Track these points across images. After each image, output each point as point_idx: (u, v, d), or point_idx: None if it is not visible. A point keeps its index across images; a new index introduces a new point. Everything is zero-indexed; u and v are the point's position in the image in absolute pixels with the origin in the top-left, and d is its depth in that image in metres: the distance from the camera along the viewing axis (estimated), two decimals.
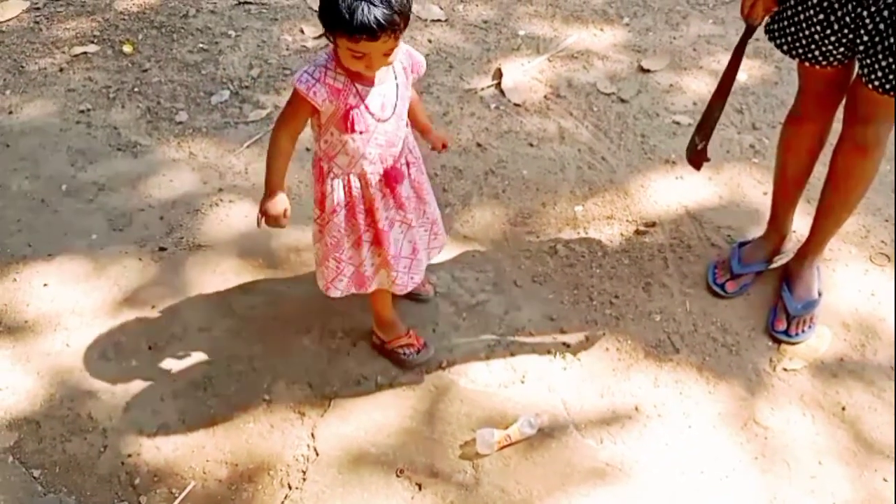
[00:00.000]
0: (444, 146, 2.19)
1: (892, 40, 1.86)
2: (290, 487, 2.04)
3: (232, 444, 2.12)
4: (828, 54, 2.00)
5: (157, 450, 2.11)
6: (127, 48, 3.36)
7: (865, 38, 1.91)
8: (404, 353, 2.24)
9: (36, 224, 2.68)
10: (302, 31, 3.46)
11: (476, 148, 2.92)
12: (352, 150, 1.87)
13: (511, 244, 2.61)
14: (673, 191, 2.78)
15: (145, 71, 3.25)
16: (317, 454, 2.10)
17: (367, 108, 1.83)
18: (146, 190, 2.79)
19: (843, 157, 2.20)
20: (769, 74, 3.21)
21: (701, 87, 3.18)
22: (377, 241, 2.02)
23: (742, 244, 2.52)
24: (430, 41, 3.38)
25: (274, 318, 2.39)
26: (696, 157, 2.28)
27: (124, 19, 3.52)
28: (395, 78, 1.87)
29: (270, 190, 1.92)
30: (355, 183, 1.93)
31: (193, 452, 2.11)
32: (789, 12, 2.01)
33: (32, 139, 2.98)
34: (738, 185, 2.80)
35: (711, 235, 2.63)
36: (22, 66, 3.29)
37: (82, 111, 3.09)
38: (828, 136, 2.29)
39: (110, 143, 2.96)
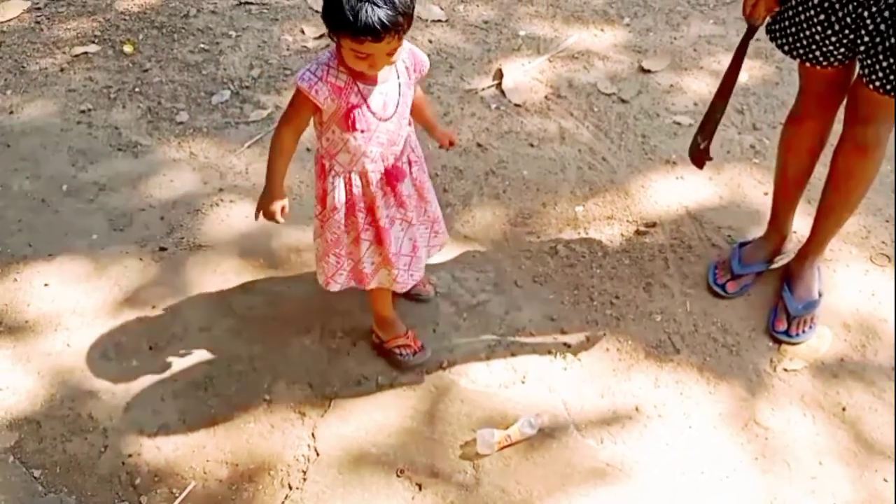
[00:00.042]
0: (451, 143, 2.20)
1: (892, 41, 1.86)
2: (290, 487, 2.04)
3: (232, 444, 2.12)
4: (828, 55, 2.00)
5: (157, 450, 2.11)
6: (128, 48, 3.36)
7: (866, 39, 1.91)
8: (401, 354, 2.24)
9: (37, 224, 2.68)
10: (302, 32, 3.46)
11: (476, 148, 2.93)
12: (353, 148, 1.88)
13: (511, 244, 2.61)
14: (673, 191, 2.78)
15: (146, 71, 3.25)
16: (317, 454, 2.10)
17: (368, 106, 1.83)
18: (147, 190, 2.79)
19: (844, 157, 2.20)
20: (770, 75, 3.21)
21: (701, 87, 3.18)
22: (378, 240, 2.02)
23: (742, 244, 2.52)
24: (430, 41, 3.38)
25: (274, 317, 2.39)
26: (699, 156, 2.29)
27: (125, 19, 3.52)
28: (398, 77, 1.87)
29: (270, 186, 1.94)
30: (356, 181, 1.93)
31: (194, 452, 2.11)
32: (790, 12, 2.01)
33: (33, 139, 2.98)
34: (738, 186, 2.80)
35: (712, 236, 2.63)
36: (23, 66, 3.29)
37: (83, 111, 3.09)
38: (828, 137, 2.29)
39: (111, 143, 2.97)
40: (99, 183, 2.81)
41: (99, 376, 2.27)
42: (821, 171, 2.34)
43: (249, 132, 3.01)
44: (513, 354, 2.31)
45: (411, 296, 2.41)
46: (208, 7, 3.57)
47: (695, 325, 2.38)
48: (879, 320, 2.39)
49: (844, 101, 2.17)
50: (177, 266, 2.55)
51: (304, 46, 3.38)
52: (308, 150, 2.84)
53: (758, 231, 2.58)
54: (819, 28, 1.96)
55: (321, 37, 3.41)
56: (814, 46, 2.00)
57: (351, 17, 1.63)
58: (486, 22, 3.51)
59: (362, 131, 1.85)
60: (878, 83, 1.93)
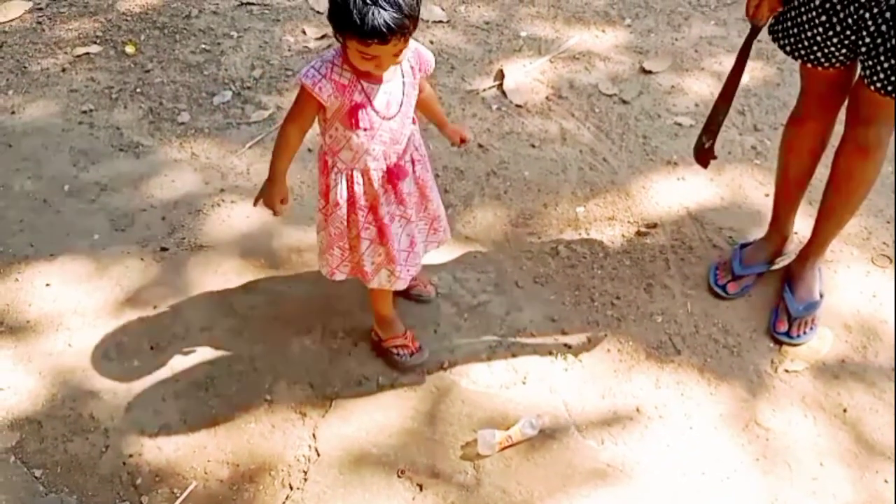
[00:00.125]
0: (462, 140, 2.20)
1: (894, 42, 1.86)
2: (291, 488, 2.04)
3: (233, 445, 2.12)
4: (830, 56, 2.00)
5: (158, 450, 2.11)
6: (129, 49, 3.37)
7: (867, 40, 1.91)
8: (398, 354, 2.24)
9: (38, 224, 2.69)
10: (304, 32, 3.46)
11: (478, 149, 2.93)
12: (356, 145, 1.88)
13: (512, 245, 2.62)
14: (674, 192, 2.78)
15: (148, 71, 3.26)
16: (318, 454, 2.10)
17: (372, 105, 1.83)
18: (148, 190, 2.79)
19: (845, 158, 2.20)
20: (771, 76, 3.21)
21: (702, 88, 3.18)
22: (381, 238, 2.02)
23: (743, 245, 2.52)
24: (431, 42, 3.38)
25: (275, 318, 2.40)
26: (704, 156, 2.29)
27: (127, 20, 3.52)
28: (403, 76, 1.88)
29: (272, 177, 1.97)
30: (358, 178, 1.94)
31: (195, 452, 2.11)
32: (792, 13, 2.01)
33: (35, 139, 2.99)
34: (739, 187, 2.80)
35: (713, 237, 2.63)
36: (24, 67, 3.29)
37: (85, 111, 3.09)
38: (830, 138, 2.29)
39: (112, 144, 2.97)
40: (100, 183, 2.82)
41: (100, 376, 2.27)
42: (822, 173, 2.34)
43: (251, 133, 3.01)
44: (514, 355, 2.31)
45: (412, 296, 2.41)
46: (210, 8, 3.57)
47: (696, 326, 2.38)
48: (880, 321, 2.39)
49: (846, 103, 2.17)
50: (178, 266, 2.55)
51: (306, 47, 3.38)
52: (309, 150, 2.84)
53: (759, 232, 2.58)
54: (821, 29, 1.96)
55: (322, 37, 3.42)
56: (815, 47, 2.00)
57: (357, 20, 1.63)
58: (487, 23, 3.51)
59: (365, 129, 1.85)
60: (879, 84, 1.93)
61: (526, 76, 3.23)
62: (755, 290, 2.46)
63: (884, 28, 1.87)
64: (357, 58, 1.73)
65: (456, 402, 2.20)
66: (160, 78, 3.23)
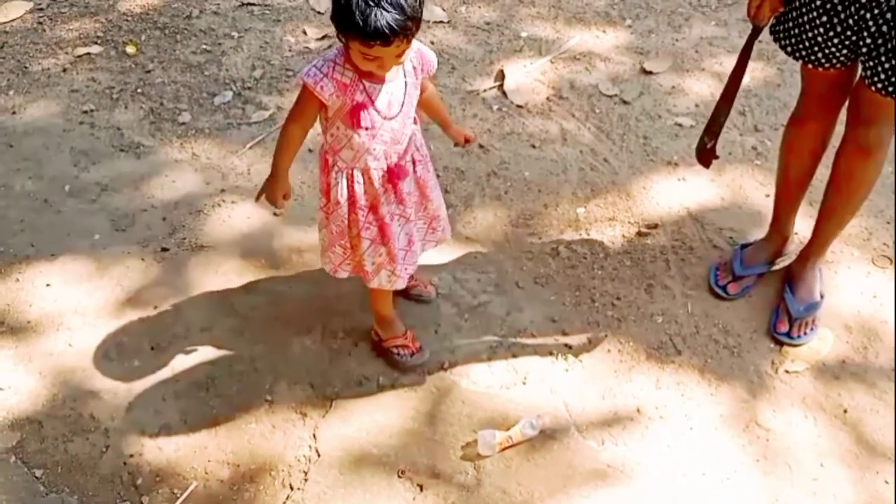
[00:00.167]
0: (466, 140, 2.20)
1: (894, 42, 1.86)
2: (291, 488, 2.04)
3: (234, 445, 2.13)
4: (831, 56, 2.00)
5: (159, 450, 2.12)
6: (130, 49, 3.37)
7: (868, 41, 1.91)
8: (398, 354, 2.25)
9: (39, 224, 2.69)
10: (304, 33, 3.46)
11: (478, 149, 2.93)
12: (357, 145, 1.88)
13: (513, 245, 2.62)
14: (675, 192, 2.78)
15: (148, 72, 3.26)
16: (318, 455, 2.10)
17: (374, 105, 1.83)
18: (149, 190, 2.80)
19: (846, 159, 2.20)
20: (771, 76, 3.21)
21: (703, 88, 3.18)
22: (382, 238, 2.02)
23: (744, 246, 2.52)
24: (432, 42, 3.38)
25: (276, 318, 2.40)
26: (706, 156, 2.29)
27: (127, 20, 3.52)
28: (405, 76, 1.88)
29: (275, 173, 1.98)
30: (358, 177, 1.94)
31: (195, 453, 2.11)
32: (793, 13, 2.01)
33: (36, 139, 2.99)
34: (740, 187, 2.80)
35: (713, 237, 2.63)
36: (25, 67, 3.29)
37: (85, 112, 3.09)
38: (830, 138, 2.29)
39: (113, 144, 2.97)
40: (101, 183, 2.82)
41: (101, 376, 2.27)
42: (823, 173, 2.34)
43: (251, 133, 3.01)
44: (514, 355, 2.31)
45: (413, 297, 2.41)
46: (211, 8, 3.57)
47: (696, 326, 2.38)
48: (881, 322, 2.39)
49: (846, 103, 2.17)
50: (179, 266, 2.55)
51: (307, 47, 3.38)
52: (310, 150, 2.84)
53: (759, 232, 2.58)
54: (821, 30, 1.96)
55: (323, 38, 3.42)
56: (816, 48, 2.00)
57: (360, 22, 1.63)
58: (487, 23, 3.51)
59: (366, 129, 1.85)
60: (880, 85, 1.94)
61: (526, 77, 3.23)
62: (756, 290, 2.46)
63: (885, 29, 1.87)
64: (359, 58, 1.74)
65: (456, 403, 2.20)
66: (161, 78, 3.23)
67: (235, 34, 3.44)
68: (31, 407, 2.22)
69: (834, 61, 2.01)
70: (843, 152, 2.21)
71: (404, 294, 2.39)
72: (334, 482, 2.05)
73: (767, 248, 2.49)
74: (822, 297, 2.39)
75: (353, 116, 1.84)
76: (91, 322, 2.40)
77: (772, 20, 2.08)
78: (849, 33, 1.93)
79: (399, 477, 2.06)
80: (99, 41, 3.41)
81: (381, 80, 1.83)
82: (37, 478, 2.07)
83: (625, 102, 3.12)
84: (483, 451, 2.07)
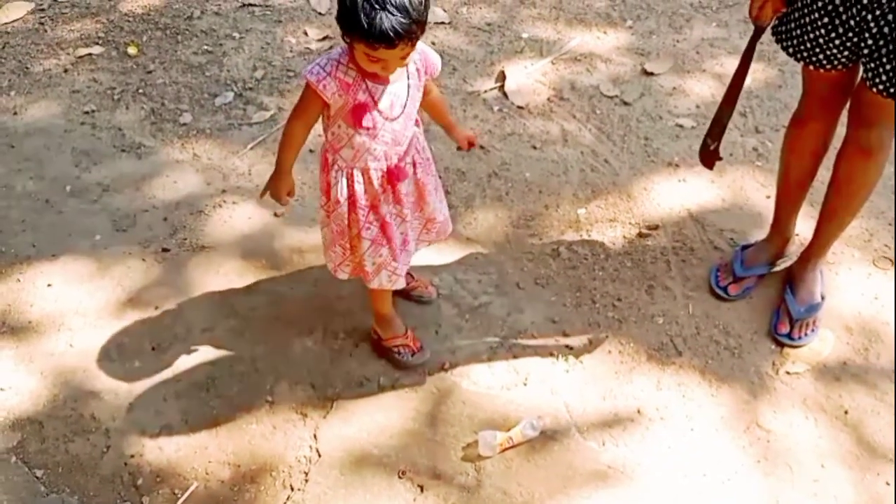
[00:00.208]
0: (470, 144, 2.20)
1: None
2: (292, 489, 2.04)
3: (234, 445, 2.13)
4: (832, 58, 2.00)
5: (159, 450, 2.12)
6: (131, 50, 3.37)
7: (870, 42, 1.91)
8: (399, 354, 2.25)
9: (40, 224, 2.69)
10: (306, 34, 3.46)
11: (479, 150, 2.93)
12: (357, 144, 1.89)
13: (514, 246, 2.62)
14: (676, 193, 2.78)
15: (150, 72, 3.26)
16: (319, 455, 2.10)
17: (376, 105, 1.84)
18: (150, 191, 2.80)
19: (847, 160, 2.20)
20: (773, 78, 3.21)
21: (704, 90, 3.18)
22: (383, 237, 2.02)
23: (745, 247, 2.52)
24: (433, 43, 3.38)
25: (276, 318, 2.40)
26: (709, 158, 2.29)
27: (129, 21, 3.53)
28: (408, 78, 1.88)
29: (279, 169, 1.99)
30: (358, 177, 1.94)
31: (196, 453, 2.11)
32: (795, 14, 2.01)
33: (37, 140, 2.99)
34: (741, 188, 2.80)
35: (714, 238, 2.63)
36: (27, 68, 3.30)
37: (87, 112, 3.10)
38: (832, 140, 2.29)
39: (114, 145, 2.97)
40: (102, 184, 2.82)
41: (101, 377, 2.27)
42: (823, 174, 2.34)
43: (252, 133, 3.01)
44: (515, 356, 2.31)
45: (413, 297, 2.41)
46: (212, 9, 3.58)
47: (697, 327, 2.38)
48: (882, 323, 2.39)
49: (847, 105, 2.17)
50: (179, 267, 2.55)
51: (308, 48, 3.38)
52: (311, 151, 2.84)
53: (760, 234, 2.58)
54: (823, 31, 1.96)
55: (324, 38, 3.42)
56: (817, 49, 2.00)
57: (365, 24, 1.63)
58: (488, 24, 3.52)
59: (368, 129, 1.86)
60: (881, 86, 1.94)
61: (527, 77, 3.24)
62: (756, 291, 2.46)
63: (886, 30, 1.87)
64: (364, 60, 1.74)
65: (457, 404, 2.20)
66: (162, 79, 3.23)
67: (237, 35, 3.44)
68: (32, 407, 2.22)
69: (835, 62, 2.01)
70: (844, 154, 2.21)
71: (405, 295, 2.39)
72: (335, 483, 2.05)
73: (768, 249, 2.49)
74: (822, 298, 2.39)
75: (355, 116, 1.84)
76: (92, 322, 2.40)
77: (773, 21, 2.08)
78: (850, 34, 1.93)
79: (400, 477, 2.06)
80: (100, 42, 3.42)
81: (385, 81, 1.83)
82: (37, 478, 2.07)
83: (626, 103, 3.12)
84: (483, 451, 2.07)
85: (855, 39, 1.93)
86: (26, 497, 2.04)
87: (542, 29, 3.49)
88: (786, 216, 2.46)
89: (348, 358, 2.30)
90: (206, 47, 3.38)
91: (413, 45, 1.73)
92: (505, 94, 3.17)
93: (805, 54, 2.04)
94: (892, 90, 1.92)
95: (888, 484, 2.05)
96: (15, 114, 3.10)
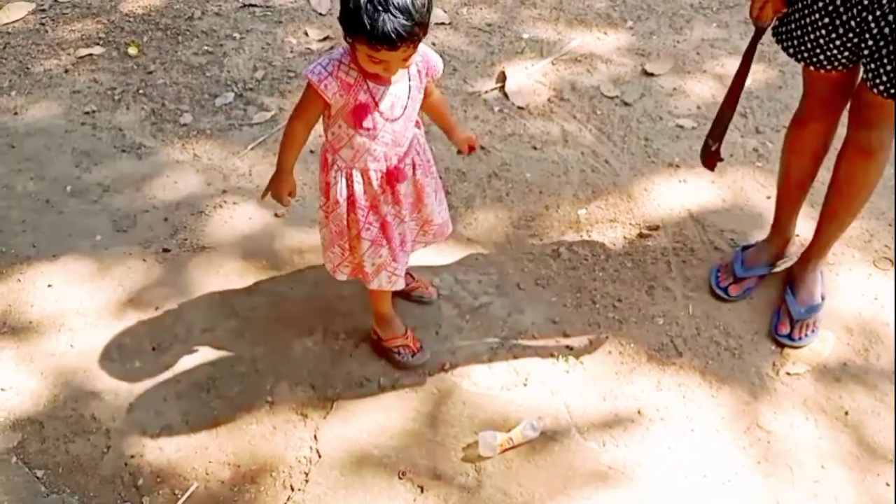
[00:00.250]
0: (471, 148, 2.20)
1: None
2: (292, 489, 2.04)
3: (235, 446, 2.13)
4: (833, 58, 2.00)
5: (160, 451, 2.12)
6: (132, 50, 3.37)
7: (870, 43, 1.91)
8: (399, 354, 2.25)
9: (40, 225, 2.69)
10: (306, 34, 3.46)
11: (480, 151, 2.93)
12: (357, 144, 1.89)
13: (514, 247, 2.62)
14: (676, 194, 2.78)
15: (150, 73, 3.26)
16: (319, 456, 2.10)
17: (377, 106, 1.84)
18: (150, 191, 2.80)
19: (848, 161, 2.20)
20: (773, 78, 3.21)
21: (705, 90, 3.18)
22: (384, 237, 2.02)
23: (745, 248, 2.52)
24: (434, 44, 3.38)
25: (277, 319, 2.40)
26: (710, 159, 2.30)
27: (129, 21, 3.53)
28: (409, 79, 1.88)
29: (280, 170, 1.99)
30: (357, 178, 1.94)
31: (196, 453, 2.11)
32: (796, 15, 2.01)
33: (37, 140, 2.99)
34: (741, 189, 2.80)
35: (715, 239, 2.63)
36: (27, 68, 3.30)
37: (87, 113, 3.10)
38: (832, 140, 2.29)
39: (115, 145, 2.97)
40: (103, 184, 2.82)
41: (102, 377, 2.27)
42: (824, 175, 2.34)
43: (253, 134, 3.01)
44: (515, 357, 2.31)
45: (414, 298, 2.41)
46: (212, 9, 3.58)
47: (697, 328, 2.38)
48: (882, 324, 2.39)
49: (848, 105, 2.17)
50: (180, 267, 2.55)
51: (308, 48, 3.39)
52: (311, 151, 2.84)
53: (760, 234, 2.58)
54: (824, 31, 1.96)
55: (325, 39, 3.42)
56: (818, 50, 2.00)
57: (368, 26, 1.64)
58: (489, 25, 3.52)
59: (368, 130, 1.86)
60: (881, 87, 1.94)
61: (528, 78, 3.24)
62: (757, 292, 2.46)
63: (886, 31, 1.87)
64: (366, 61, 1.74)
65: (457, 404, 2.20)
66: (163, 79, 3.23)
67: (237, 35, 3.44)
68: (33, 407, 2.22)
69: (836, 63, 2.01)
70: (844, 154, 2.21)
71: (405, 295, 2.39)
72: (335, 483, 2.05)
73: (769, 249, 2.49)
74: (823, 299, 2.39)
75: (356, 116, 1.84)
76: (92, 323, 2.40)
77: (774, 22, 2.08)
78: (850, 35, 1.93)
79: (400, 478, 2.06)
80: (101, 42, 3.42)
81: (386, 82, 1.83)
82: (38, 478, 2.07)
83: (626, 104, 3.12)
84: (484, 452, 2.07)
85: (855, 40, 1.93)
86: (27, 497, 2.04)
87: (542, 29, 3.49)
88: (786, 217, 2.46)
89: (348, 358, 2.30)
90: (206, 48, 3.38)
91: (415, 47, 1.73)
92: (505, 95, 3.17)
93: (805, 55, 2.04)
94: (892, 91, 1.92)
95: (888, 485, 2.05)
96: (16, 114, 3.10)
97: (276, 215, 2.68)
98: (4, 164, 2.90)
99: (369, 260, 2.05)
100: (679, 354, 2.32)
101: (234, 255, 2.58)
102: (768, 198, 2.70)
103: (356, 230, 2.01)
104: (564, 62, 3.32)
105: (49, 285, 2.51)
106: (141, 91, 3.18)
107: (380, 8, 1.62)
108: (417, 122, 1.98)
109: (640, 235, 2.65)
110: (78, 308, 2.44)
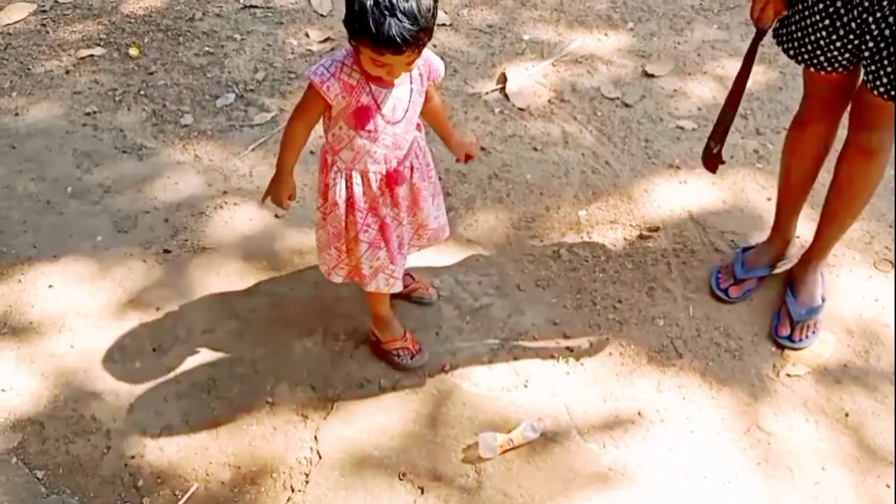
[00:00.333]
0: (468, 157, 2.19)
1: None
2: (292, 490, 2.04)
3: (235, 447, 2.13)
4: (833, 60, 2.00)
5: (160, 451, 2.12)
6: (133, 51, 3.38)
7: (871, 45, 1.91)
8: (398, 356, 2.25)
9: (41, 225, 2.69)
10: (307, 35, 3.47)
11: (480, 152, 2.93)
12: (358, 146, 1.89)
13: (514, 248, 2.62)
14: (676, 195, 2.78)
15: (151, 74, 3.26)
16: (319, 457, 2.10)
17: (378, 108, 1.84)
18: (151, 192, 2.80)
19: (848, 162, 2.20)
20: (774, 80, 3.21)
21: (705, 92, 3.18)
22: (382, 239, 2.02)
23: (746, 249, 2.52)
24: (434, 45, 3.39)
25: (277, 320, 2.40)
26: (712, 161, 2.30)
27: (130, 22, 3.53)
28: (411, 83, 1.88)
29: (280, 172, 1.99)
30: (357, 179, 1.94)
31: (197, 454, 2.11)
32: (796, 17, 2.01)
33: (38, 141, 2.99)
34: (742, 191, 2.80)
35: (715, 240, 2.63)
36: (28, 69, 3.30)
37: (88, 113, 3.10)
38: (833, 142, 2.29)
39: (116, 146, 2.97)
40: (104, 185, 2.82)
41: (102, 377, 2.27)
42: (824, 177, 2.34)
43: (253, 135, 3.01)
44: (515, 358, 2.31)
45: (414, 299, 2.41)
46: (213, 10, 3.58)
47: (697, 329, 2.38)
48: (882, 326, 2.39)
49: (849, 107, 2.17)
50: (180, 268, 2.55)
51: (309, 50, 3.39)
52: (312, 152, 2.84)
53: (761, 236, 2.58)
54: (824, 33, 1.96)
55: (326, 40, 3.42)
56: (819, 52, 2.00)
57: (373, 29, 1.63)
58: (490, 26, 3.52)
59: (369, 132, 1.86)
60: (882, 89, 1.94)
61: (528, 79, 3.24)
62: (757, 293, 2.46)
63: (887, 33, 1.87)
64: (369, 64, 1.74)
65: (457, 405, 2.20)
66: (163, 80, 3.23)
67: (238, 36, 3.44)
68: (33, 408, 2.22)
69: (836, 65, 2.01)
70: (844, 156, 2.21)
71: (405, 296, 2.39)
72: (335, 484, 2.05)
73: (769, 251, 2.49)
74: (823, 300, 2.39)
75: (357, 118, 1.84)
76: (93, 323, 2.40)
77: (775, 23, 2.08)
78: (851, 37, 1.93)
79: (400, 479, 2.06)
80: (102, 43, 3.42)
81: (388, 85, 1.83)
82: (38, 479, 2.07)
83: (626, 105, 3.12)
84: (484, 453, 2.07)
85: (856, 42, 1.93)
86: (27, 498, 2.04)
87: (543, 31, 3.49)
88: (786, 218, 2.47)
89: (349, 359, 2.30)
90: (207, 49, 3.38)
91: (419, 52, 1.73)
92: (506, 96, 3.17)
93: (806, 56, 2.04)
94: (892, 92, 1.92)
95: (888, 486, 2.05)
96: (16, 115, 3.10)
97: (276, 216, 2.68)
98: (5, 165, 2.90)
99: (367, 262, 2.05)
100: (679, 356, 2.32)
101: (234, 256, 2.58)
102: (769, 199, 2.70)
103: (354, 232, 2.01)
104: (565, 63, 3.32)
105: (50, 286, 2.51)
106: (142, 92, 3.19)
107: (386, 12, 1.62)
108: (418, 124, 1.98)
109: (641, 237, 2.65)
110: (78, 309, 2.44)
